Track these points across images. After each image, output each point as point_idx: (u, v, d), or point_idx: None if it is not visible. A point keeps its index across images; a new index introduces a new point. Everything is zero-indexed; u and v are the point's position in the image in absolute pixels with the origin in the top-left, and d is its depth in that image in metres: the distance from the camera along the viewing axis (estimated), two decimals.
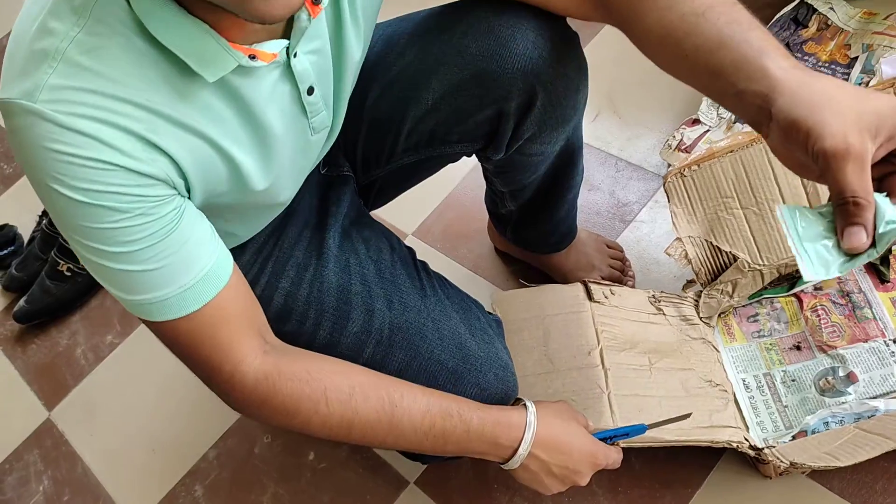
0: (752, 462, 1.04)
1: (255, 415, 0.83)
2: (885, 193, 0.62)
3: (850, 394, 1.05)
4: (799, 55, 1.44)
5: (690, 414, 0.96)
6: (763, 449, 1.00)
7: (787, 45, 1.46)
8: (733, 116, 1.41)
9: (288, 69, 0.75)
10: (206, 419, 1.38)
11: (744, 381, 1.13)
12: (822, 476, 1.03)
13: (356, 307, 0.93)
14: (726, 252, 1.13)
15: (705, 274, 1.15)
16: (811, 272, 0.61)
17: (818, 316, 1.13)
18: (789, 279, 1.18)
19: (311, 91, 0.79)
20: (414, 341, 0.92)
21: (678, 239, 1.12)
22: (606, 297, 1.15)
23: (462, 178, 1.54)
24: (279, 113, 0.77)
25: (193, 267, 0.72)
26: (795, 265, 1.14)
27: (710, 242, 1.10)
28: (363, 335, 0.92)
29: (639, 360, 1.09)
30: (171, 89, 0.66)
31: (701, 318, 1.16)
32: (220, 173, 0.75)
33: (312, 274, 0.94)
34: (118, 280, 0.71)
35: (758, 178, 1.09)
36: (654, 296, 1.18)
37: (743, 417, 1.08)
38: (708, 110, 1.43)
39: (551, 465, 0.89)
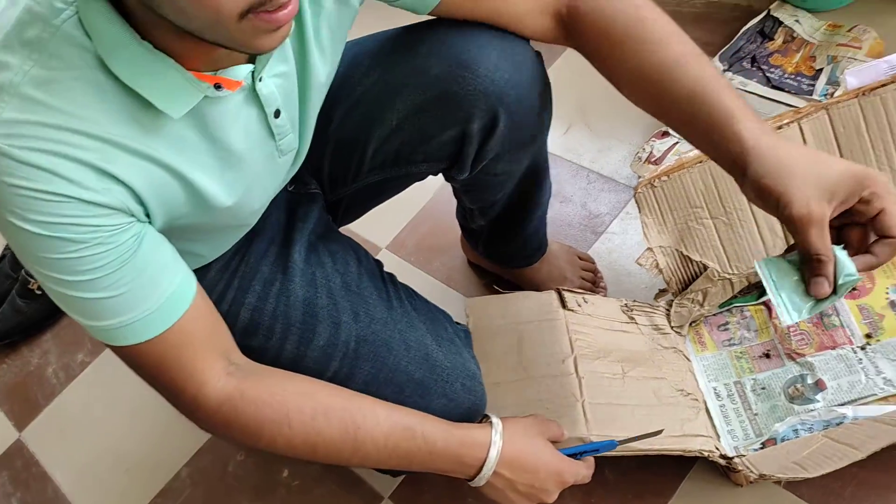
0: (723, 471, 1.05)
1: (221, 436, 0.83)
2: (842, 245, 0.72)
3: (818, 401, 1.05)
4: (766, 67, 1.46)
5: (662, 431, 0.96)
6: (733, 458, 1.01)
7: (754, 58, 1.48)
8: None
9: (254, 93, 0.75)
10: (178, 437, 1.37)
11: (715, 389, 1.14)
12: (791, 483, 1.03)
13: (322, 320, 0.92)
14: (696, 261, 1.14)
15: (676, 283, 1.15)
16: (787, 318, 0.73)
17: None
18: (758, 287, 1.19)
19: (277, 114, 0.79)
20: (380, 353, 0.92)
21: (649, 249, 1.13)
22: (580, 305, 1.15)
23: (435, 192, 1.54)
24: (245, 136, 0.77)
25: (156, 291, 0.72)
26: None
27: (681, 252, 1.11)
28: (330, 348, 0.91)
29: (612, 368, 1.09)
30: (135, 124, 0.67)
31: (672, 328, 1.17)
32: (179, 198, 0.74)
33: (279, 288, 0.94)
34: (81, 307, 0.71)
35: (727, 188, 1.10)
36: (626, 305, 1.18)
37: (714, 426, 1.08)
38: None
39: (517, 483, 0.89)
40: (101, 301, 0.70)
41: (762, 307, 1.18)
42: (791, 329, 1.13)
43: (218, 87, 0.69)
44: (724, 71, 1.47)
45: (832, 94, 1.37)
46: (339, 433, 0.81)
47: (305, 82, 0.82)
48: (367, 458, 0.84)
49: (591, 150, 1.52)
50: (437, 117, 0.93)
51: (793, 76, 1.44)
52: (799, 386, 1.08)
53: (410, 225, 1.53)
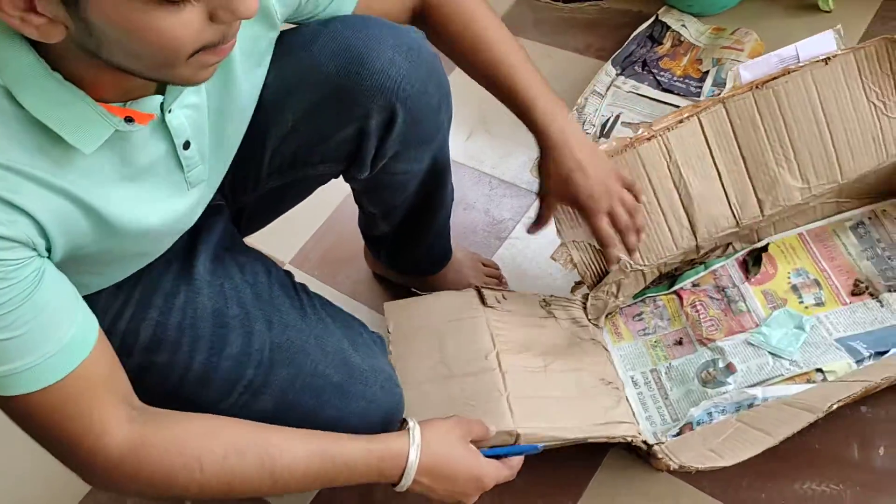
0: (644, 457, 1.06)
1: (125, 490, 0.78)
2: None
3: (730, 384, 1.08)
4: (656, 70, 1.50)
5: (586, 439, 0.98)
6: (653, 445, 1.02)
7: (645, 62, 1.52)
8: (598, 132, 1.45)
9: (163, 124, 0.73)
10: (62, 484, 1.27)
11: (632, 377, 1.16)
12: (692, 476, 1.05)
13: (234, 329, 0.89)
14: None
15: (591, 276, 1.17)
16: None
17: (697, 311, 1.17)
18: (669, 277, 1.23)
19: (187, 146, 0.77)
20: (297, 359, 0.89)
21: (563, 245, 1.14)
22: (499, 302, 1.15)
23: (338, 204, 1.51)
24: (152, 168, 0.74)
25: (56, 332, 0.67)
26: (674, 264, 1.19)
27: (594, 246, 1.12)
28: (243, 357, 0.88)
29: (534, 362, 1.09)
30: (42, 155, 0.64)
31: (590, 320, 1.18)
32: (85, 228, 0.71)
33: (184, 300, 0.90)
34: None
35: (637, 180, 1.11)
36: (544, 300, 1.19)
37: (633, 413, 1.10)
38: None
39: (437, 489, 0.88)
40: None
41: (674, 296, 1.21)
42: (701, 315, 1.16)
43: (129, 120, 0.67)
44: (618, 75, 1.51)
45: (718, 94, 1.42)
46: (255, 469, 0.78)
47: (223, 111, 0.80)
48: (287, 488, 0.81)
49: (493, 156, 1.52)
50: (333, 115, 0.92)
51: (681, 79, 1.49)
52: (711, 370, 1.11)
53: (314, 239, 1.50)
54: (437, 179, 1.11)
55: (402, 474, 0.85)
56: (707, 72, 1.48)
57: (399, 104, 0.91)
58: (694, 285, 1.21)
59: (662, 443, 1.04)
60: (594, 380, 1.10)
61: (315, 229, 1.50)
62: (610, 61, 1.54)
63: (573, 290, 1.21)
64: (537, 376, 1.07)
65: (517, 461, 0.95)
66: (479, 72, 1.00)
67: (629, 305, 1.23)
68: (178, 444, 0.75)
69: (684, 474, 1.05)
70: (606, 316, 1.21)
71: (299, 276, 1.41)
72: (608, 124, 1.45)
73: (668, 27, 1.56)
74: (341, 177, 1.05)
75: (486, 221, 1.44)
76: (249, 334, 0.89)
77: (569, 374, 1.09)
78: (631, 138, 1.11)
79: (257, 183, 1.01)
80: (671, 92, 1.47)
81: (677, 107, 1.43)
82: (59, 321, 0.67)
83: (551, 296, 1.20)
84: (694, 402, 1.09)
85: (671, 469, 1.01)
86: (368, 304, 1.37)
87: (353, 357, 0.93)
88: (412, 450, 0.85)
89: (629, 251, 1.07)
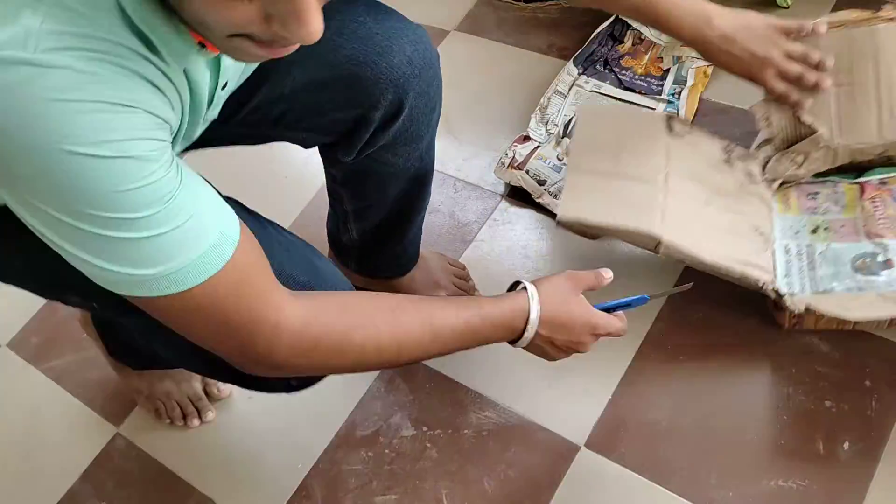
0: (771, 307, 1.10)
1: (304, 364, 0.78)
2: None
3: (882, 277, 1.09)
4: (617, 69, 1.50)
5: (692, 284, 0.99)
6: (784, 295, 1.04)
7: (606, 61, 1.52)
8: (561, 131, 1.44)
9: (217, 61, 0.72)
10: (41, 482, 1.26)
11: (786, 246, 1.16)
12: (659, 476, 1.07)
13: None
14: (807, 125, 1.14)
15: (781, 141, 1.17)
16: None
17: (875, 206, 1.16)
18: (859, 169, 1.20)
19: (224, 86, 0.76)
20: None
21: (765, 100, 1.14)
22: (685, 133, 1.19)
23: (303, 208, 1.49)
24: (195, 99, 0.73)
25: (212, 216, 0.66)
26: (870, 155, 1.18)
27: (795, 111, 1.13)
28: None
29: (698, 194, 1.13)
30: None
31: (764, 179, 1.19)
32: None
33: None
34: (138, 253, 0.62)
35: (860, 59, 1.11)
36: (728, 146, 1.20)
37: (775, 269, 1.11)
38: (537, 126, 1.46)
39: (555, 339, 0.92)
40: (165, 236, 0.62)
41: (856, 187, 1.20)
42: (878, 212, 1.16)
43: (202, 45, 0.65)
44: (580, 74, 1.51)
45: (679, 94, 1.42)
46: (418, 324, 0.82)
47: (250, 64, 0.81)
48: (444, 346, 0.85)
49: (457, 158, 1.51)
50: (338, 96, 0.92)
51: (643, 77, 1.49)
52: (867, 260, 1.11)
53: None
54: (423, 180, 1.13)
55: (525, 327, 0.89)
56: (668, 70, 1.49)
57: (406, 101, 0.93)
58: (882, 182, 1.19)
59: (794, 294, 1.06)
60: (748, 227, 1.12)
61: None
62: (572, 61, 1.54)
63: (759, 146, 1.21)
64: (696, 205, 1.12)
65: (624, 317, 0.98)
66: None
67: (808, 182, 1.22)
68: (349, 306, 0.79)
69: (651, 475, 1.05)
70: (781, 184, 1.21)
71: None
72: (571, 124, 1.45)
73: (629, 26, 1.57)
74: (320, 162, 1.06)
75: (451, 224, 1.43)
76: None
77: (726, 213, 1.13)
78: (870, 12, 1.12)
79: (224, 123, 0.95)
80: (633, 90, 1.48)
81: (638, 105, 1.43)
82: (210, 204, 0.66)
83: (736, 144, 1.21)
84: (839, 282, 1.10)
85: (796, 314, 1.04)
86: None
87: (318, 261, 0.93)
88: (533, 304, 0.89)
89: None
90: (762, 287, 1.05)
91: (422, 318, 0.82)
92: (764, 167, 1.19)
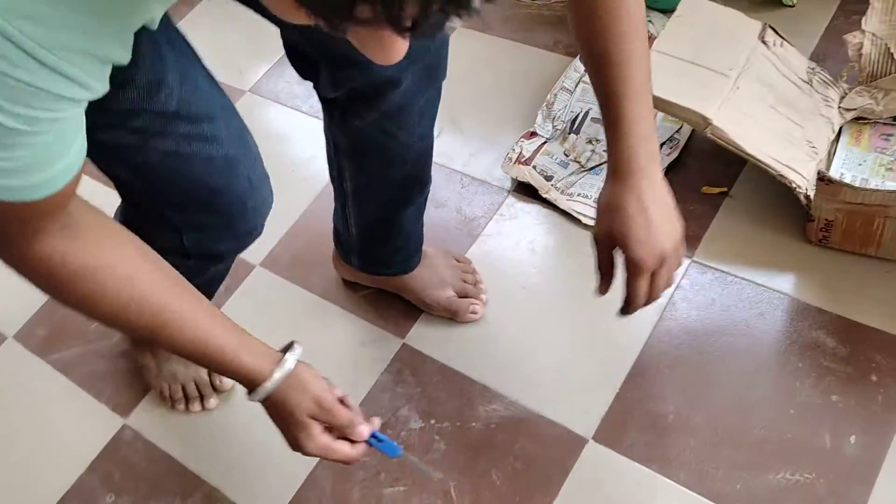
0: (803, 212, 1.13)
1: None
2: None
3: None
4: None
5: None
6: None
7: None
8: (567, 127, 1.45)
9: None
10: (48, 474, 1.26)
11: (842, 173, 1.17)
12: (667, 468, 1.07)
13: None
14: None
15: (868, 73, 1.18)
16: None
17: None
18: None
19: None
20: (200, 121, 0.88)
21: (861, 31, 1.15)
22: (774, 45, 1.22)
23: (308, 206, 1.50)
24: None
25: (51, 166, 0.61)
26: None
27: (889, 48, 1.13)
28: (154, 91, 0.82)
29: (766, 97, 1.16)
30: None
31: (840, 107, 1.20)
32: None
33: None
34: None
35: None
36: (812, 68, 1.22)
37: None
38: (543, 122, 1.47)
39: (278, 425, 0.87)
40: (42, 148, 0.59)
41: None
42: None
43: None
44: (586, 71, 1.51)
45: None
46: (145, 324, 0.77)
47: None
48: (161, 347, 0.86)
49: (463, 153, 1.51)
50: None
51: None
52: None
53: (283, 241, 1.47)
54: (419, 163, 1.14)
55: (268, 378, 0.83)
56: None
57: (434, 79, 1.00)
58: None
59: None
60: (803, 139, 1.14)
61: (284, 232, 1.48)
62: (578, 57, 1.54)
63: (843, 71, 1.23)
64: (760, 106, 1.15)
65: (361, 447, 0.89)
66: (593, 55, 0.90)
67: (885, 123, 1.22)
68: (94, 273, 0.73)
69: (660, 468, 1.06)
70: (857, 120, 1.22)
71: (269, 278, 1.42)
72: (577, 120, 1.45)
73: None
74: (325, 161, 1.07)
75: (457, 219, 1.43)
76: (161, 80, 0.83)
77: (786, 121, 1.16)
78: None
79: None
80: None
81: None
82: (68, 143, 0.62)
83: (821, 68, 1.25)
84: None
85: (823, 225, 1.09)
86: (341, 306, 1.36)
87: (250, 140, 0.95)
88: (281, 366, 0.83)
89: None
90: (795, 189, 1.08)
91: (153, 324, 0.78)
92: (843, 96, 1.21)
